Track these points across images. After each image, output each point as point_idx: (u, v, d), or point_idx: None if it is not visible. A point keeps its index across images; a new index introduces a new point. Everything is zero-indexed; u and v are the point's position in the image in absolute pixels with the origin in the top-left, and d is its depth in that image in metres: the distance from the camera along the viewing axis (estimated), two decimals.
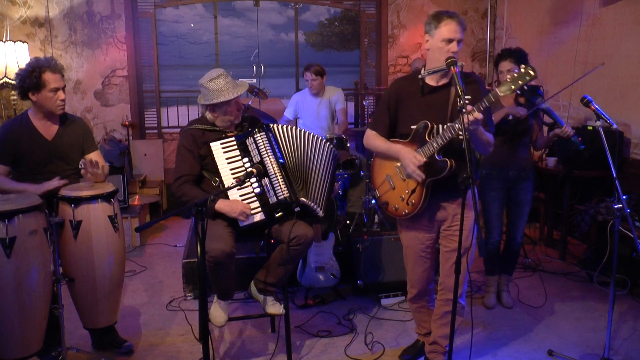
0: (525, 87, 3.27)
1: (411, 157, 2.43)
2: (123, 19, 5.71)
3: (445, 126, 2.42)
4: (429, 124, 2.45)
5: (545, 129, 3.68)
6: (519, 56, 3.30)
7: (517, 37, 5.98)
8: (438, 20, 2.41)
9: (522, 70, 2.28)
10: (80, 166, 2.72)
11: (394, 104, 2.56)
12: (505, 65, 3.33)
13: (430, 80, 2.50)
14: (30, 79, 2.63)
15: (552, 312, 3.52)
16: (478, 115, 2.25)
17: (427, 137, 2.44)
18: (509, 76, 2.31)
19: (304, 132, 2.90)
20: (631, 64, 4.28)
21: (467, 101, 2.42)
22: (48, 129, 2.76)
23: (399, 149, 2.50)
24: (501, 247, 3.60)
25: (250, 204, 2.70)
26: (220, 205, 2.65)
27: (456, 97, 2.23)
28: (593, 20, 4.73)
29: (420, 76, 2.48)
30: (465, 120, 2.23)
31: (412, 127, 2.50)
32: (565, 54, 5.01)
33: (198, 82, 2.80)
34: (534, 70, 2.26)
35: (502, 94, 2.30)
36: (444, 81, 2.51)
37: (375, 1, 6.26)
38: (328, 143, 2.94)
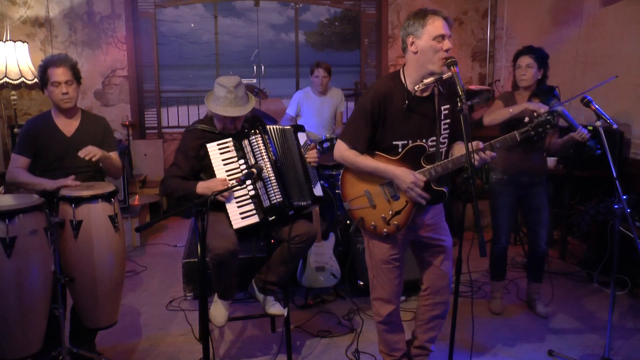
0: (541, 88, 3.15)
1: (412, 180, 2.25)
2: (123, 19, 5.71)
3: (434, 144, 2.35)
4: (426, 147, 2.31)
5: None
6: (540, 55, 3.21)
7: (517, 37, 5.98)
8: (423, 17, 2.20)
9: (546, 117, 2.23)
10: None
11: (377, 116, 2.29)
12: (525, 60, 3.20)
13: (416, 92, 2.29)
14: (39, 76, 2.77)
15: (552, 312, 3.52)
16: (493, 155, 2.24)
17: (422, 162, 2.31)
18: (527, 118, 2.26)
19: (283, 129, 2.88)
20: (631, 64, 4.27)
21: (445, 111, 2.37)
22: (68, 126, 2.81)
23: (393, 170, 2.29)
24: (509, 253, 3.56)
25: (246, 207, 2.70)
26: (200, 189, 2.66)
27: (455, 98, 2.17)
28: (593, 20, 4.73)
29: (417, 87, 2.27)
30: (478, 159, 2.21)
31: (394, 142, 2.32)
32: (565, 54, 5.01)
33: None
34: (554, 119, 2.23)
35: (520, 138, 2.25)
36: (426, 93, 2.32)
37: (375, 1, 6.26)
38: (290, 127, 2.91)
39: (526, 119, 3.10)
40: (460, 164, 2.26)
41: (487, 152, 2.24)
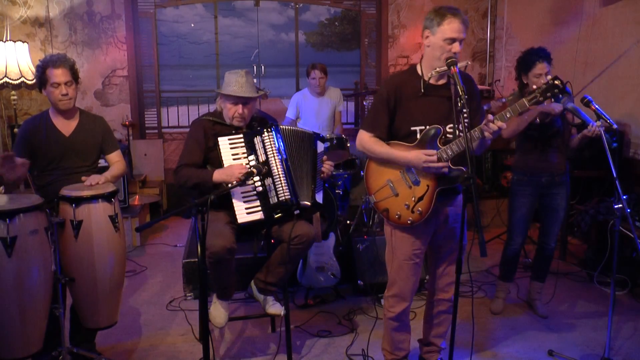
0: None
1: (424, 158, 2.29)
2: (123, 19, 5.71)
3: (451, 131, 2.37)
4: (442, 129, 2.35)
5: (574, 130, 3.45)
6: (549, 56, 3.16)
7: (517, 37, 5.98)
8: (441, 17, 2.29)
9: (550, 82, 2.20)
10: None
11: (394, 102, 2.40)
12: (543, 67, 3.12)
13: (430, 79, 2.40)
14: (37, 76, 2.75)
15: (552, 312, 3.52)
16: (502, 125, 2.23)
17: (439, 144, 2.35)
18: (535, 86, 2.24)
19: (301, 131, 2.92)
20: (631, 64, 4.28)
21: (465, 102, 2.42)
22: (66, 126, 2.81)
23: (406, 155, 2.36)
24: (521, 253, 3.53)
25: (252, 202, 2.71)
26: (217, 176, 2.67)
27: (456, 97, 2.20)
28: (593, 20, 4.73)
29: (429, 75, 2.37)
30: (488, 129, 2.22)
31: (412, 128, 2.39)
32: (565, 54, 5.01)
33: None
34: (561, 82, 2.20)
35: (529, 104, 2.23)
36: (442, 81, 2.42)
37: (375, 1, 6.26)
38: (312, 133, 2.95)
39: (537, 121, 3.09)
40: (474, 140, 2.29)
41: (498, 123, 2.23)
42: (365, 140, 2.46)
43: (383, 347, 2.75)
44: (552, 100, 2.26)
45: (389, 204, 2.46)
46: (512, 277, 3.57)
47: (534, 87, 2.25)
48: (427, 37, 2.36)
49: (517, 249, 3.44)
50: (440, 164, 2.30)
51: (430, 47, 2.36)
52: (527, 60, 3.20)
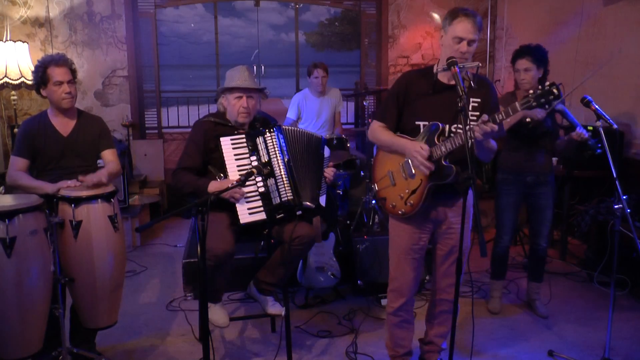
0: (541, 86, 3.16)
1: (417, 149, 2.34)
2: (123, 19, 5.71)
3: (455, 130, 2.39)
4: (440, 126, 2.37)
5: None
6: (538, 55, 3.16)
7: (517, 37, 5.98)
8: (452, 17, 2.34)
9: (547, 87, 2.15)
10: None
11: (403, 97, 2.47)
12: (523, 63, 3.16)
13: (442, 78, 2.44)
14: (37, 75, 2.74)
15: (552, 312, 3.52)
16: (494, 127, 2.22)
17: (436, 140, 2.37)
18: (531, 92, 2.20)
19: (307, 133, 2.92)
20: (631, 64, 4.27)
21: (474, 103, 2.43)
22: (64, 126, 2.81)
23: (404, 143, 2.44)
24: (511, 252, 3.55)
25: (254, 202, 2.71)
26: (212, 189, 2.67)
27: (456, 97, 2.20)
28: (594, 20, 4.73)
29: (435, 71, 2.42)
30: (479, 130, 2.21)
31: (417, 122, 2.44)
32: (566, 54, 5.01)
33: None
34: (558, 90, 2.13)
35: (521, 109, 2.21)
36: (454, 81, 2.40)
37: (375, 1, 6.26)
38: (320, 136, 2.96)
39: (528, 119, 3.10)
40: (469, 139, 2.25)
41: (489, 125, 2.22)
42: (375, 128, 2.57)
43: (386, 343, 2.78)
44: (547, 107, 2.22)
45: (386, 194, 2.56)
46: (503, 276, 3.59)
47: (530, 91, 2.22)
48: (442, 36, 2.43)
49: (506, 247, 3.47)
50: (424, 162, 2.32)
51: (443, 47, 2.41)
52: (513, 55, 3.27)
